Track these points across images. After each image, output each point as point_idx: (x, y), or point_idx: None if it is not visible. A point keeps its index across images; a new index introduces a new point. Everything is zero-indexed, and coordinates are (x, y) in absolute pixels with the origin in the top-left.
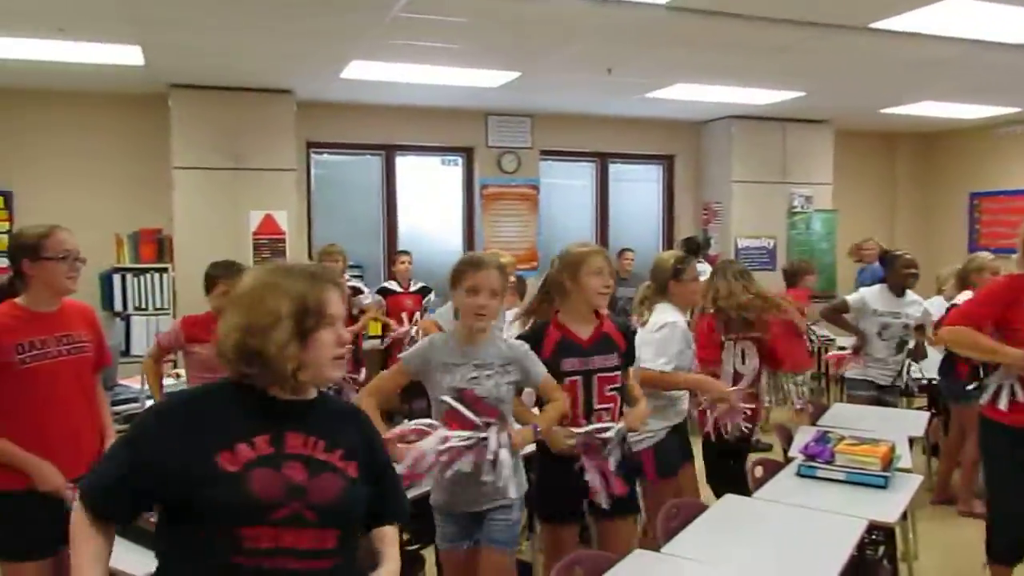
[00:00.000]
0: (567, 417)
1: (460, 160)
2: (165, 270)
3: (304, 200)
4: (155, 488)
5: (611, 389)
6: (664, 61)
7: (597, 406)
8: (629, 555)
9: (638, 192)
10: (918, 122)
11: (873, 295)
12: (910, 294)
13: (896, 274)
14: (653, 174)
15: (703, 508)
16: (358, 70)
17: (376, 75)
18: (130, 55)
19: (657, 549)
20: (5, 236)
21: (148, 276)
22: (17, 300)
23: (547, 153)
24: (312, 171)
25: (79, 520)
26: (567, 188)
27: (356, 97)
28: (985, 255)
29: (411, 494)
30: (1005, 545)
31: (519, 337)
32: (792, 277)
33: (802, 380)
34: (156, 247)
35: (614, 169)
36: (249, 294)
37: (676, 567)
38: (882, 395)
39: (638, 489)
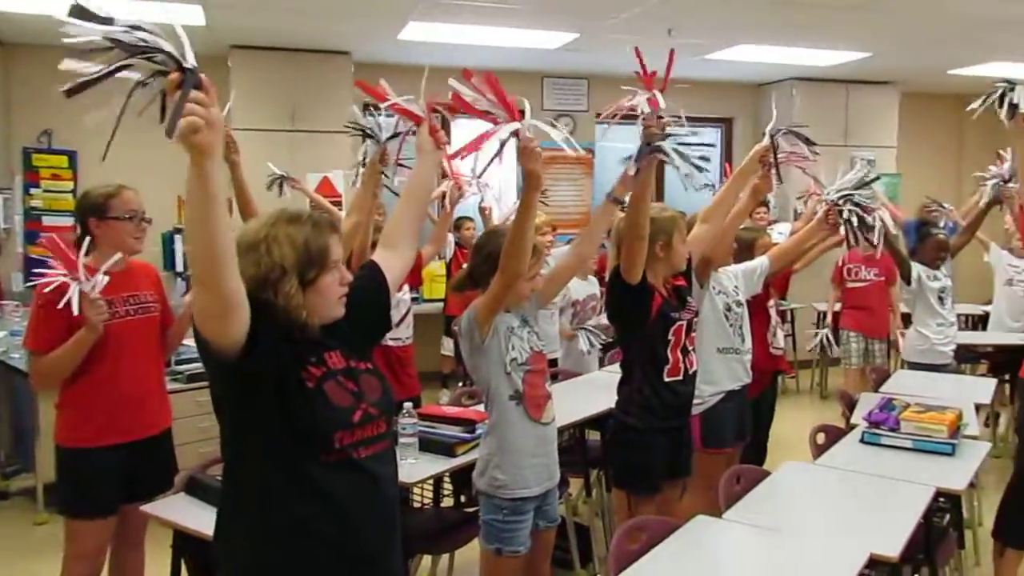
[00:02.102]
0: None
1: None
2: None
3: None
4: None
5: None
6: (727, 21)
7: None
8: (691, 521)
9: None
10: (988, 84)
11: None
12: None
13: (926, 253)
14: (711, 138)
15: (766, 474)
16: (416, 31)
17: (433, 36)
18: (192, 15)
19: (719, 515)
20: (70, 195)
21: None
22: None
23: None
24: None
25: None
26: (624, 152)
27: (412, 59)
28: None
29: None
30: (1020, 525)
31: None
32: None
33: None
34: None
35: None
36: (256, 246)
37: (739, 534)
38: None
39: None
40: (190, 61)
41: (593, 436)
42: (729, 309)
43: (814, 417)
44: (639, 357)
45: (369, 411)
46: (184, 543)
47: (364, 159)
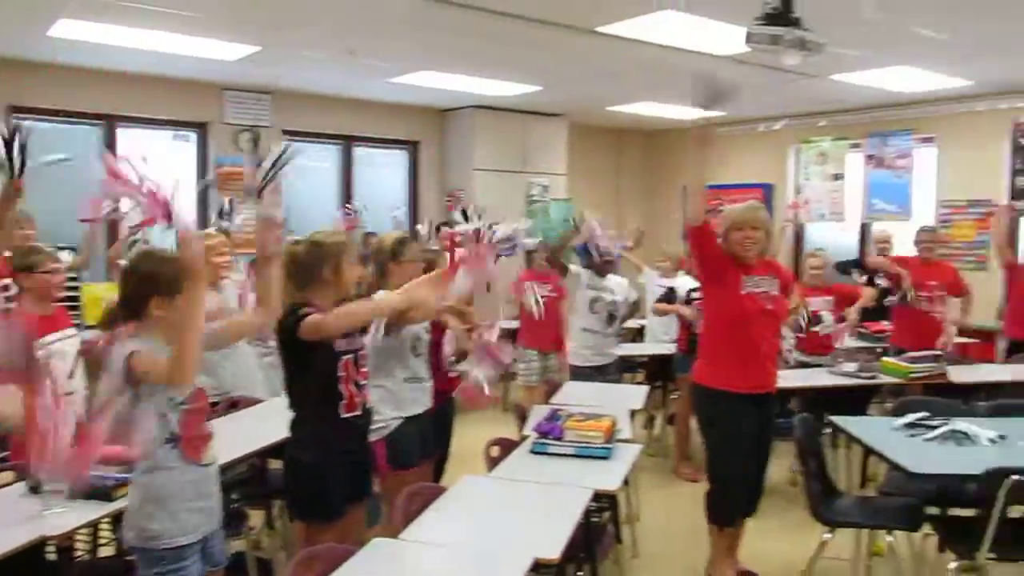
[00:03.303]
0: None
1: (193, 136)
2: None
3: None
4: None
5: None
6: (406, 47)
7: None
8: (368, 545)
9: (384, 177)
10: (640, 120)
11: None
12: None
13: (593, 261)
14: (400, 159)
15: (442, 490)
16: (68, 29)
17: (89, 36)
18: None
19: (395, 536)
20: None
21: None
22: None
23: (289, 133)
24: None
25: None
26: (312, 170)
27: (71, 59)
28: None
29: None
30: (725, 507)
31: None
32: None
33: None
34: None
35: (361, 153)
36: None
37: (414, 553)
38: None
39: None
40: None
41: (275, 465)
42: (419, 338)
43: (496, 431)
44: (311, 394)
45: None
46: None
47: None
